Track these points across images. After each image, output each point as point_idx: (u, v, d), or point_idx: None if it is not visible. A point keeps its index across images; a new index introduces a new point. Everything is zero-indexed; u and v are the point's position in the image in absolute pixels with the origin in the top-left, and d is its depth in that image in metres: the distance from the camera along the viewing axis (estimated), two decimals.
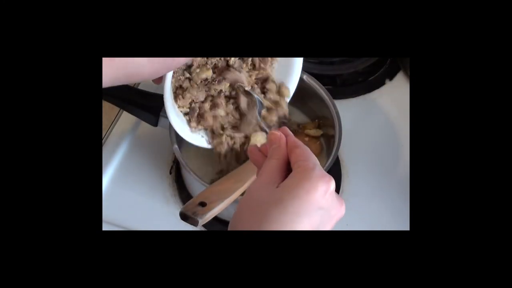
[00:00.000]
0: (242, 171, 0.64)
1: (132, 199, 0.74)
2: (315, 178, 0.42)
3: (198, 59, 0.63)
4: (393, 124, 0.83)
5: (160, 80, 0.57)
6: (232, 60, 0.64)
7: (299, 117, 0.78)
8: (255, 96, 0.65)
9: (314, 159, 0.44)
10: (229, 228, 0.44)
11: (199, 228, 0.68)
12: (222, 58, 0.64)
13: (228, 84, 0.65)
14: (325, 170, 0.64)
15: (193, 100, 0.64)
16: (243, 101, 0.65)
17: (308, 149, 0.45)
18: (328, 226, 0.43)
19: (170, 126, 0.68)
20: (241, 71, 0.64)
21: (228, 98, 0.66)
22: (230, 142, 0.66)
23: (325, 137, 0.76)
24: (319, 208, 0.42)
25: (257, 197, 0.43)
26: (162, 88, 0.86)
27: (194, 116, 0.64)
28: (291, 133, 0.47)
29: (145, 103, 0.72)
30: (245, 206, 0.44)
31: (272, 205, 0.41)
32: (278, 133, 0.46)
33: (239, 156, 0.69)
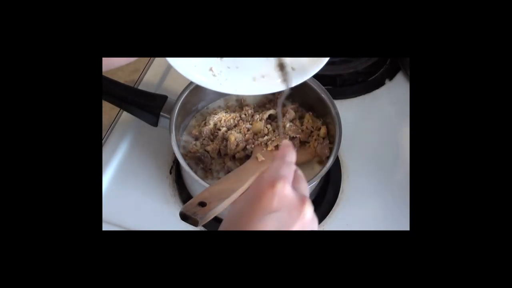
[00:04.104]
0: (242, 171, 0.64)
1: (132, 199, 0.74)
2: (260, 186, 0.45)
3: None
4: (393, 124, 0.83)
5: None
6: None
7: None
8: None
9: (275, 170, 0.47)
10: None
11: (199, 228, 0.68)
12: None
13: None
14: (325, 170, 0.66)
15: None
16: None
17: (284, 158, 0.48)
18: (295, 227, 0.44)
19: (170, 126, 0.68)
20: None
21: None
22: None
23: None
24: (272, 212, 0.43)
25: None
26: (162, 88, 0.86)
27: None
28: (283, 148, 0.51)
29: (145, 103, 0.72)
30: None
31: (236, 213, 0.47)
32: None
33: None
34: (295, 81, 0.61)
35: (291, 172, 0.47)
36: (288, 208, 0.44)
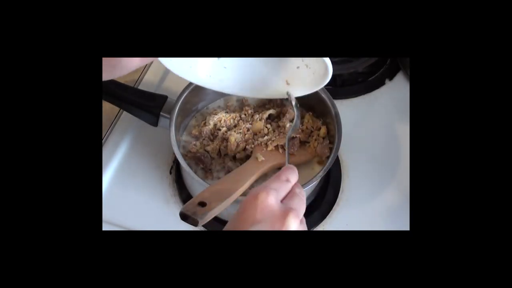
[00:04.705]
0: (242, 171, 0.64)
1: (132, 199, 0.74)
2: (245, 200, 0.45)
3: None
4: (393, 124, 0.83)
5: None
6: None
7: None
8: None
9: (264, 183, 0.48)
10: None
11: (199, 228, 0.68)
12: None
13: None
14: (325, 170, 0.65)
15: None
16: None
17: (280, 176, 0.50)
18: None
19: (170, 126, 0.68)
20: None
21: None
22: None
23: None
24: (254, 224, 0.44)
25: None
26: (162, 88, 0.86)
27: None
28: (284, 169, 0.52)
29: (145, 103, 0.72)
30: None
31: (228, 224, 0.48)
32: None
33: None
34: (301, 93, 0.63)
35: (281, 187, 0.47)
36: (271, 220, 0.44)
